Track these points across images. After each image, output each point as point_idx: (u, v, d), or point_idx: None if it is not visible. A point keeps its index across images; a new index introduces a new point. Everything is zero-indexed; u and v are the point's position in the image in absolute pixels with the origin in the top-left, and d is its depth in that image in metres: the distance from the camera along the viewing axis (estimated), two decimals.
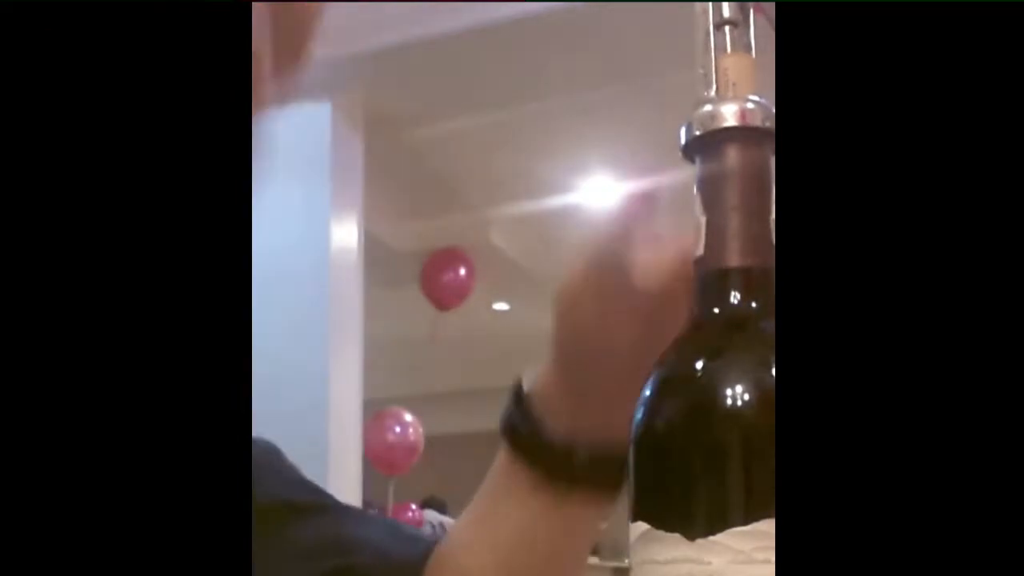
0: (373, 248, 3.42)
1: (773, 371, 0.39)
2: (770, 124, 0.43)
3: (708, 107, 0.44)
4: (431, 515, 4.24)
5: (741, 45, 0.47)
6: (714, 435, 0.40)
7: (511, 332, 5.68)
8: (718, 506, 0.39)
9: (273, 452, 0.66)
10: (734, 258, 0.43)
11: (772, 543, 0.38)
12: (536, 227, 4.48)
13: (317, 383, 3.07)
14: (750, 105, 0.44)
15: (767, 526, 0.38)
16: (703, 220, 0.43)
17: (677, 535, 0.39)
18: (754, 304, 0.42)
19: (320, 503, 0.65)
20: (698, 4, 0.47)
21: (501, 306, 5.55)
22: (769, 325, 0.39)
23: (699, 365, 0.41)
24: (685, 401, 0.41)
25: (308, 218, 3.18)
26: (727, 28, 0.47)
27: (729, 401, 0.40)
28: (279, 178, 3.17)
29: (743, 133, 0.43)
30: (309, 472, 0.66)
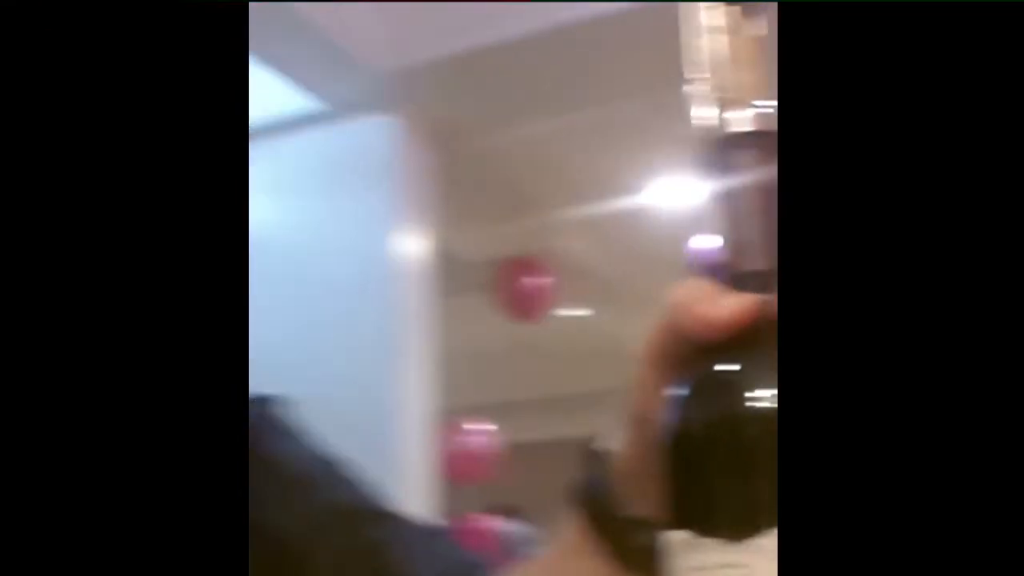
0: (444, 258, 3.44)
1: None
2: None
3: (724, 112, 0.44)
4: (505, 525, 4.27)
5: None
6: (750, 438, 0.40)
7: (586, 338, 5.69)
8: (757, 509, 0.39)
9: (338, 463, 0.66)
10: (754, 262, 0.43)
11: None
12: (607, 229, 4.47)
13: (384, 393, 3.09)
14: (766, 110, 0.43)
15: None
16: (722, 224, 0.43)
17: (716, 540, 0.39)
18: None
19: (384, 512, 0.65)
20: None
21: (574, 311, 5.56)
22: None
23: (728, 369, 0.41)
24: (721, 405, 0.41)
25: (377, 230, 3.20)
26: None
27: (763, 404, 0.39)
28: (348, 191, 3.21)
29: (760, 138, 0.43)
30: (380, 483, 0.66)
